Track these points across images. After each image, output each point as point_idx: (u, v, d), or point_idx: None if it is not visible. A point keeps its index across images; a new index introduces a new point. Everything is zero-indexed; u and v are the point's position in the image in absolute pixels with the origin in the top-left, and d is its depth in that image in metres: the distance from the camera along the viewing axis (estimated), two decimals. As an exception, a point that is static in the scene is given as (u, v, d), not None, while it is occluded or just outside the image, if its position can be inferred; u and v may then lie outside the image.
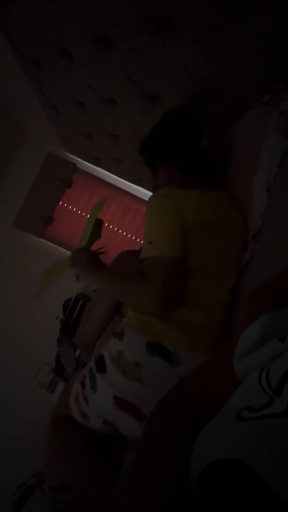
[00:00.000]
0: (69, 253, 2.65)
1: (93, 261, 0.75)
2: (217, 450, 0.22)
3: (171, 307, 0.64)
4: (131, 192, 2.25)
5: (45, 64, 0.94)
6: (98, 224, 0.84)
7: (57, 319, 2.11)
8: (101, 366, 0.67)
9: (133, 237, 2.31)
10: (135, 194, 2.25)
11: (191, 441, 0.26)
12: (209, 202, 0.69)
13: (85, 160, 1.95)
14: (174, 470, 0.28)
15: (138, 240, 2.28)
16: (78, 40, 0.77)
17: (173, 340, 0.64)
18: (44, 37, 0.81)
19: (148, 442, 0.34)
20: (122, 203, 2.29)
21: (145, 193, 2.15)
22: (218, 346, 0.39)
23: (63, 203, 2.34)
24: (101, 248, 0.90)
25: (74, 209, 2.35)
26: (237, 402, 0.25)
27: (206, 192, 0.70)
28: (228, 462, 0.20)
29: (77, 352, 1.96)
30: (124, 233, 2.32)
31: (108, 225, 2.29)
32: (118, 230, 2.30)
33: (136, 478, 0.30)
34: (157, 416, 0.37)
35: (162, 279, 0.61)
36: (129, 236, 2.31)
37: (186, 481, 0.24)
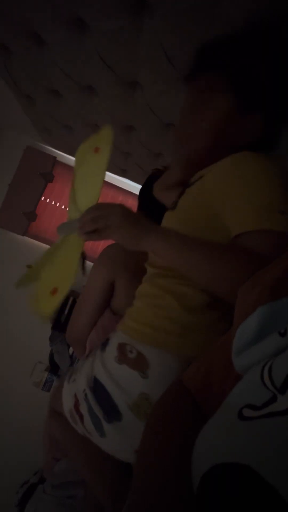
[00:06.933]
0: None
1: (139, 217, 0.49)
2: (220, 454, 0.21)
3: None
4: (115, 184, 2.20)
5: (15, 51, 0.88)
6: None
7: (47, 317, 2.07)
8: (107, 407, 0.50)
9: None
10: (120, 186, 2.21)
11: (193, 439, 0.25)
12: None
13: (65, 153, 1.88)
14: (175, 473, 0.27)
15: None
16: (48, 23, 0.72)
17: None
18: (12, 21, 0.75)
19: (149, 443, 0.33)
20: (106, 195, 2.24)
21: (130, 184, 2.11)
22: None
23: (45, 199, 2.27)
24: None
25: (57, 204, 2.28)
26: (238, 399, 0.24)
27: None
28: (231, 467, 0.19)
29: (71, 349, 1.94)
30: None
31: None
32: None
33: (137, 479, 0.29)
34: (158, 414, 0.36)
35: None
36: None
37: (189, 482, 0.23)
